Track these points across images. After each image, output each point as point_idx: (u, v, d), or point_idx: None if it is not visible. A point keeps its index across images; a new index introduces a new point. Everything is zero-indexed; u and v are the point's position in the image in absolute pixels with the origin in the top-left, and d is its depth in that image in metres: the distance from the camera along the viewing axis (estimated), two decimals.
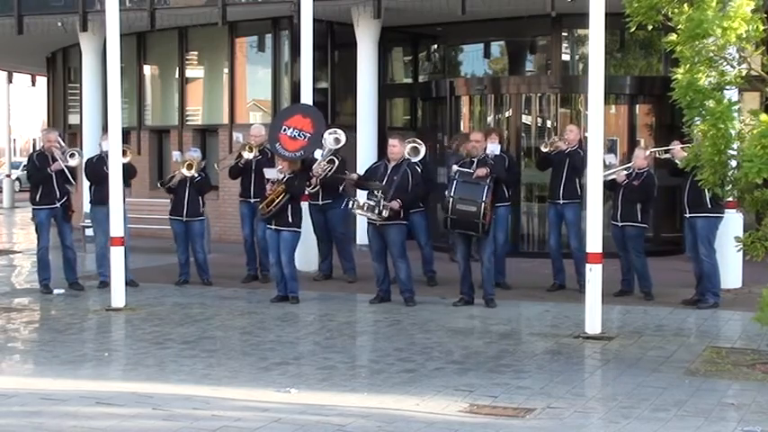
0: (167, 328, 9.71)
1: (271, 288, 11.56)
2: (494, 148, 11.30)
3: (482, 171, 10.69)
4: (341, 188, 12.32)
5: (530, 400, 6.95)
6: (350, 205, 11.00)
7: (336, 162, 12.35)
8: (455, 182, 10.57)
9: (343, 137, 12.38)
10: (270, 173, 11.10)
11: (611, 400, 6.99)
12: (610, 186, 11.26)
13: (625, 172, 11.19)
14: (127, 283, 11.23)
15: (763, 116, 7.19)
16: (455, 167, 10.89)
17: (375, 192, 10.73)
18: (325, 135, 12.26)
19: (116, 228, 10.85)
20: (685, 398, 6.97)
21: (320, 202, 12.48)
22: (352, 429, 6.27)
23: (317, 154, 12.18)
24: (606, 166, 11.30)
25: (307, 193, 12.29)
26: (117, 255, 10.81)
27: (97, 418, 6.46)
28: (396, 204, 10.68)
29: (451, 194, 10.45)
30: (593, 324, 9.12)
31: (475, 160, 10.99)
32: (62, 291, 11.80)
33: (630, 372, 7.81)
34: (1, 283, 13.14)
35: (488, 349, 8.71)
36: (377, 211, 10.64)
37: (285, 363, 8.14)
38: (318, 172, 12.19)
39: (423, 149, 11.40)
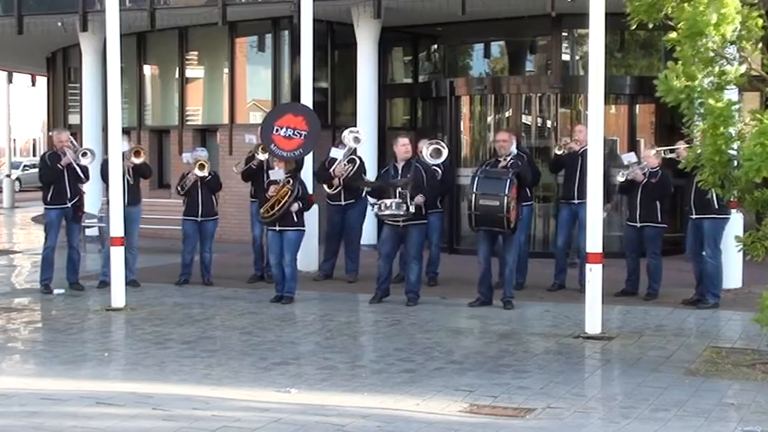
0: (167, 328, 9.70)
1: (273, 288, 11.55)
2: (511, 148, 11.33)
3: (420, 199, 10.63)
4: (363, 194, 12.22)
5: (530, 400, 6.95)
6: (375, 210, 10.85)
7: (357, 162, 12.37)
8: (477, 178, 10.54)
9: (362, 136, 12.43)
10: (275, 174, 11.09)
11: (611, 400, 6.99)
12: (625, 188, 11.25)
13: (641, 171, 11.18)
14: (128, 284, 11.24)
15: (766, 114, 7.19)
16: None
17: (399, 188, 10.66)
18: (345, 134, 12.33)
19: (116, 228, 10.85)
20: (685, 398, 6.97)
21: (343, 203, 12.48)
22: (352, 429, 6.27)
23: (338, 154, 12.18)
24: (625, 166, 11.31)
25: (329, 193, 12.31)
26: (117, 255, 10.81)
27: (97, 418, 6.46)
28: (420, 199, 10.65)
29: (474, 190, 10.42)
30: (593, 324, 9.12)
31: (501, 160, 11.05)
32: (62, 291, 11.80)
33: (630, 372, 7.81)
34: (1, 283, 13.15)
35: (488, 349, 8.71)
36: (405, 208, 10.58)
37: (285, 363, 8.14)
38: (340, 172, 12.20)
39: (445, 152, 11.38)
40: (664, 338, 9.11)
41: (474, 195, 10.38)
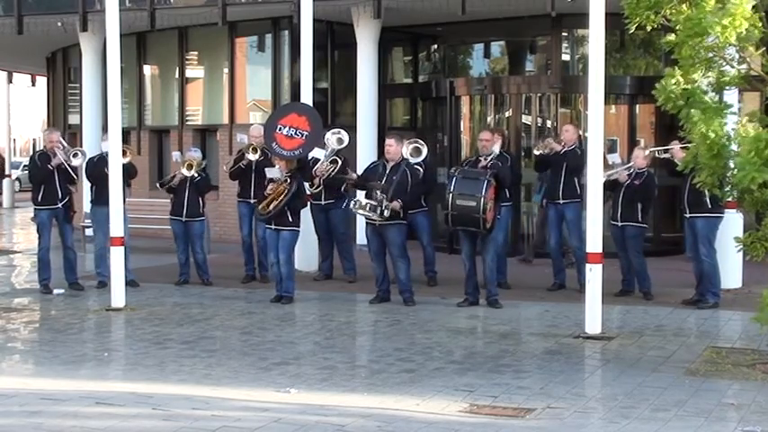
0: (167, 328, 9.71)
1: (270, 288, 11.56)
2: (494, 148, 11.34)
3: (396, 204, 10.66)
4: (342, 188, 12.33)
5: (530, 400, 6.95)
6: (351, 205, 11.00)
7: (339, 162, 12.38)
8: (455, 178, 10.57)
9: (345, 137, 12.41)
10: (272, 172, 11.11)
11: (611, 400, 6.99)
12: (610, 186, 11.29)
13: (626, 172, 11.21)
14: (127, 284, 11.24)
15: (745, 120, 7.25)
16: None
17: (376, 192, 10.72)
18: (328, 135, 12.29)
19: (116, 228, 10.85)
20: (685, 398, 6.97)
21: (323, 202, 12.50)
22: (352, 429, 6.27)
23: (320, 154, 12.20)
24: (610, 166, 11.34)
25: (309, 192, 12.32)
26: (117, 255, 10.81)
27: (97, 418, 6.46)
28: (397, 204, 10.70)
29: (451, 190, 10.45)
30: (593, 324, 9.12)
31: (481, 159, 11.06)
32: (62, 291, 11.80)
33: (630, 372, 7.81)
34: (1, 283, 13.14)
35: (488, 349, 8.71)
36: (379, 211, 10.65)
37: (285, 363, 8.14)
38: (322, 172, 12.22)
39: (425, 150, 11.42)
40: (664, 338, 9.11)
41: (451, 195, 10.41)
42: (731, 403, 6.88)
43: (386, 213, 10.65)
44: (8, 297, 11.79)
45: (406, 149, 11.27)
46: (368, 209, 10.72)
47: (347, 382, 7.50)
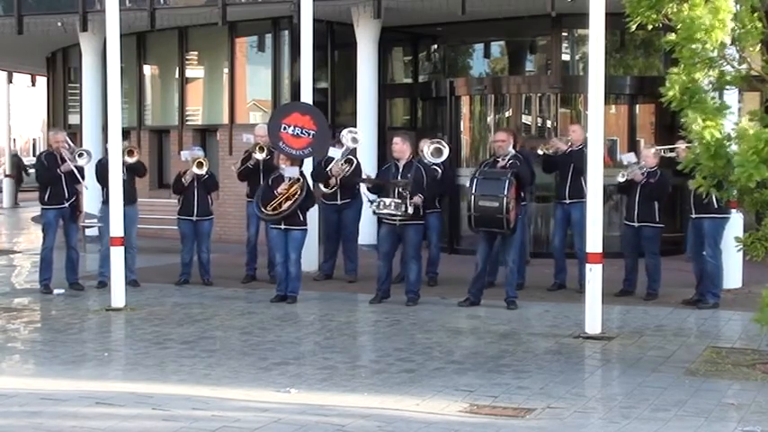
0: (167, 328, 9.71)
1: (271, 288, 11.56)
2: (509, 148, 11.30)
3: (418, 200, 10.66)
4: (364, 189, 12.25)
5: (530, 400, 6.95)
6: (374, 208, 10.83)
7: (354, 162, 12.39)
8: (475, 179, 10.54)
9: (360, 136, 12.43)
10: (290, 171, 11.09)
11: (611, 400, 6.99)
12: (624, 188, 11.28)
13: (640, 171, 11.18)
14: (128, 283, 11.23)
15: (746, 119, 7.24)
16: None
17: (398, 188, 10.67)
18: (344, 133, 12.32)
19: (116, 228, 10.85)
20: (685, 398, 6.97)
21: (338, 202, 12.49)
22: (352, 429, 6.27)
23: (336, 153, 12.19)
24: (624, 167, 11.32)
25: (325, 192, 12.32)
26: (117, 255, 10.81)
27: (97, 418, 6.46)
28: (418, 200, 10.67)
29: (473, 192, 10.42)
30: (593, 324, 9.12)
31: (499, 160, 11.03)
32: (62, 291, 11.80)
33: (630, 372, 7.81)
34: (1, 283, 13.14)
35: (488, 349, 8.71)
36: (403, 208, 10.60)
37: (285, 363, 8.14)
38: (337, 171, 12.21)
39: (446, 151, 11.36)
40: (664, 338, 9.12)
41: (473, 197, 10.38)
42: (731, 403, 6.88)
43: (410, 210, 10.62)
44: (8, 297, 11.79)
45: (427, 149, 11.22)
46: (392, 207, 10.66)
47: (347, 382, 7.50)
